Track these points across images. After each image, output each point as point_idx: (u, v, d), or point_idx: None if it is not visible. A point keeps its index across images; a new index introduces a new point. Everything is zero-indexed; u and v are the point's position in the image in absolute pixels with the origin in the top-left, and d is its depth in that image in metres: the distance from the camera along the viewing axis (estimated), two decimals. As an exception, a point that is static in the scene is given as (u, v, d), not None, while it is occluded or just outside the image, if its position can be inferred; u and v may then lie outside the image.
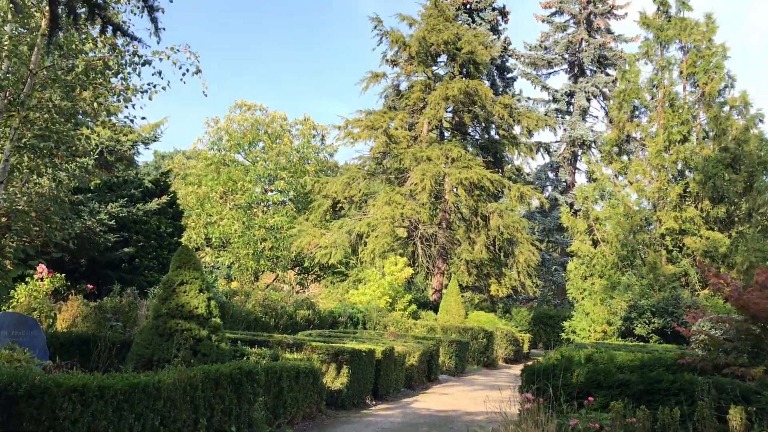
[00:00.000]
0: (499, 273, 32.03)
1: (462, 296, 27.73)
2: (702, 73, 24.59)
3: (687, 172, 24.48)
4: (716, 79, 24.43)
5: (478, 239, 30.86)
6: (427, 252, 30.65)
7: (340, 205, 32.08)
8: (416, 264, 30.79)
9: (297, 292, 24.92)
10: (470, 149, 34.18)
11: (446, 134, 34.64)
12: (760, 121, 24.19)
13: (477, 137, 35.48)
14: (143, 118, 12.07)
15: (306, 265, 32.47)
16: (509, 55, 40.45)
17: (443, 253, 31.51)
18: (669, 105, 24.83)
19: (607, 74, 41.93)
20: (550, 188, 42.29)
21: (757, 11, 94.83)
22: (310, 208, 33.68)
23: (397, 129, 31.28)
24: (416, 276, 32.54)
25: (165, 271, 16.16)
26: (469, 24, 37.03)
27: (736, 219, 23.55)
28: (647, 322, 19.76)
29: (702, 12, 45.01)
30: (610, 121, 27.72)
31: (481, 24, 37.55)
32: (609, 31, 42.29)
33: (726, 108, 24.39)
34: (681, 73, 25.35)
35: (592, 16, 42.39)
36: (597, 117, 43.45)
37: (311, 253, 29.78)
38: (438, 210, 32.07)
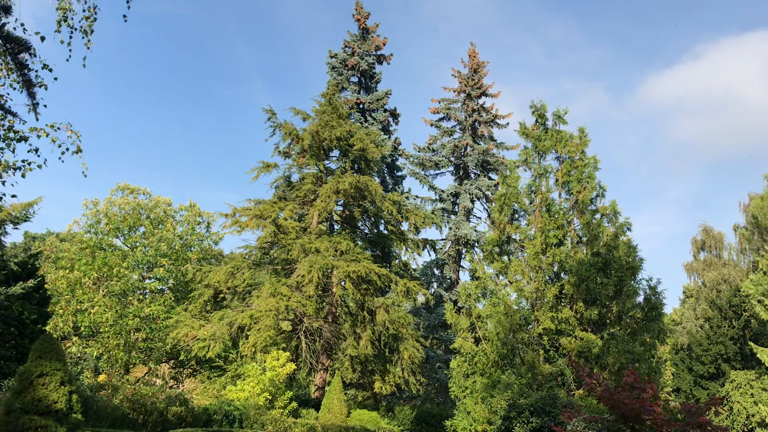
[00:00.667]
0: (384, 370, 31.62)
1: (345, 394, 27.05)
2: (575, 182, 26.27)
3: (563, 274, 25.61)
4: (588, 188, 26.16)
5: (364, 334, 30.52)
6: (311, 347, 29.88)
7: (222, 295, 30.93)
8: (299, 359, 29.89)
9: (170, 387, 23.38)
10: (359, 243, 34.36)
11: (336, 227, 34.75)
12: (628, 229, 25.95)
13: (366, 231, 35.81)
14: (14, 196, 11.26)
15: (182, 358, 30.72)
16: (399, 155, 41.88)
17: (328, 349, 30.85)
18: (546, 210, 26.22)
19: (490, 178, 44.11)
20: (435, 285, 42.98)
21: (625, 129, 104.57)
22: (190, 297, 32.25)
23: (286, 219, 31.04)
24: (299, 372, 31.52)
25: (24, 361, 14.72)
26: (361, 122, 38.19)
27: (607, 321, 24.71)
28: (526, 421, 19.91)
29: (576, 126, 48.71)
30: (492, 223, 28.82)
31: (373, 123, 38.83)
32: (492, 139, 44.85)
33: (598, 215, 26.05)
34: (557, 180, 26.98)
35: (476, 123, 44.97)
36: (480, 218, 45.18)
37: (188, 345, 28.24)
38: (325, 303, 31.61)
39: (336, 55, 39.93)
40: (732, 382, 37.77)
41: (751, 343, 37.52)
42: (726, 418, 36.89)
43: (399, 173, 41.09)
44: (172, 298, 33.73)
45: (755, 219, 44.21)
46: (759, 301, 36.79)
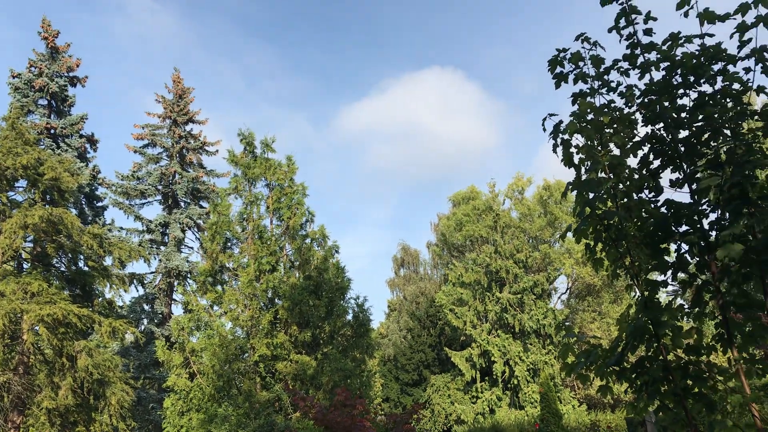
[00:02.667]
0: (89, 419, 28.59)
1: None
2: (286, 208, 26.87)
3: (277, 300, 25.90)
4: (298, 214, 26.93)
5: (64, 383, 27.30)
6: (-3, 405, 25.85)
7: None
8: (-19, 422, 25.64)
9: None
10: (55, 282, 30.80)
11: (26, 266, 30.73)
12: (337, 251, 27.22)
13: (63, 269, 32.26)
14: None
15: None
16: (99, 184, 38.71)
17: (19, 404, 26.97)
18: (258, 237, 26.34)
19: (201, 206, 43.04)
20: (146, 321, 40.38)
21: (327, 156, 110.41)
22: None
23: (-42, 261, 26.59)
24: (-19, 436, 26.99)
25: None
26: (53, 149, 34.54)
27: (321, 341, 25.53)
28: (245, 453, 19.56)
29: (284, 154, 50.00)
30: (205, 252, 28.09)
31: (67, 150, 35.36)
32: (201, 166, 43.90)
33: (308, 240, 26.91)
34: (268, 207, 27.31)
35: (184, 150, 43.63)
36: (192, 248, 43.77)
37: None
38: (14, 353, 27.64)
39: (20, 74, 35.68)
40: (432, 386, 41.72)
41: (446, 349, 41.92)
42: (429, 420, 40.57)
43: (100, 203, 37.94)
44: None
45: (444, 236, 49.73)
46: (450, 310, 41.34)
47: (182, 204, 43.24)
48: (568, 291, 45.78)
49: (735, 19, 4.84)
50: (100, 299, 33.08)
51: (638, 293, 4.82)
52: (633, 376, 4.81)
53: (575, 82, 5.39)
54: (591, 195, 4.71)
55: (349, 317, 26.30)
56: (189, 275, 40.46)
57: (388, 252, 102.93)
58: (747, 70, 4.85)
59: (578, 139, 5.04)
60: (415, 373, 44.31)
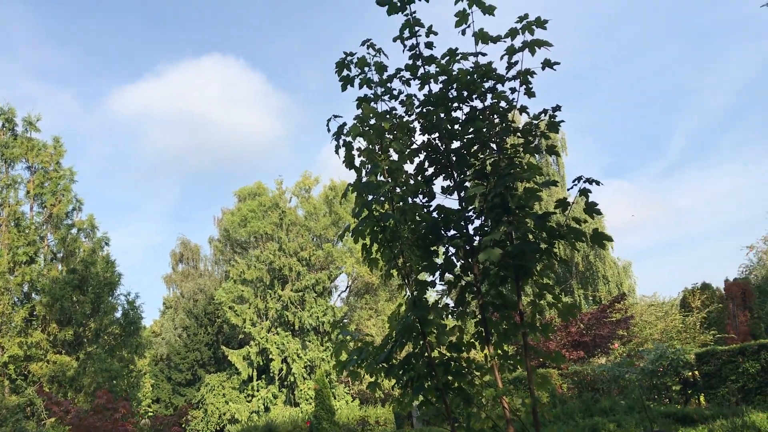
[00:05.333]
0: None
1: None
2: (50, 194, 24.44)
3: (34, 295, 23.45)
4: (64, 201, 24.63)
5: None
6: None
7: None
8: None
9: None
10: None
11: None
12: (107, 243, 25.33)
13: None
14: None
15: None
16: None
17: None
18: (15, 224, 23.66)
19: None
20: None
21: (99, 139, 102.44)
22: None
23: None
24: None
25: None
26: None
27: (84, 340, 23.57)
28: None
29: (50, 135, 45.52)
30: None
31: None
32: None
33: (74, 230, 24.72)
34: (28, 192, 24.64)
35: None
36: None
37: None
38: None
39: None
40: (206, 386, 40.54)
41: (224, 347, 41.00)
42: (201, 421, 39.35)
43: None
44: None
45: (227, 232, 48.61)
46: (230, 308, 40.51)
47: None
48: (348, 289, 47.23)
49: (506, 42, 5.26)
50: None
51: (409, 293, 5.03)
52: (400, 372, 5.00)
53: (360, 86, 5.50)
54: (370, 197, 4.82)
55: (118, 314, 24.63)
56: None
57: (167, 246, 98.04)
58: (513, 90, 5.29)
59: (360, 142, 5.14)
60: (189, 372, 42.74)
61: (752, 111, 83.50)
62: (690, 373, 17.99)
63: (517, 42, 5.19)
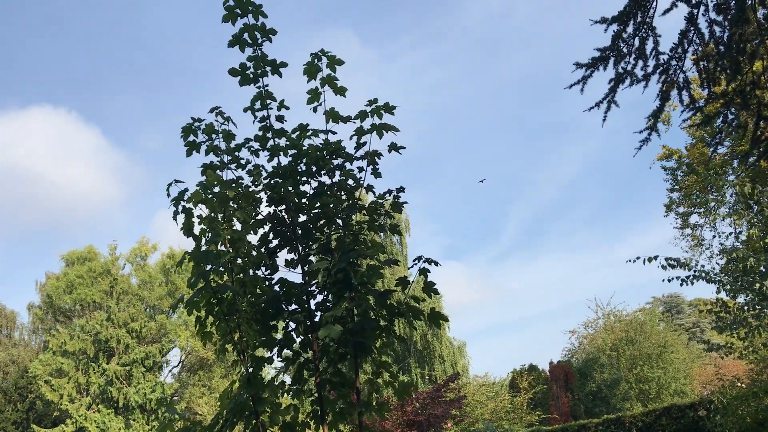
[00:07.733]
0: None
1: None
2: None
3: None
4: None
5: None
6: None
7: None
8: None
9: None
10: None
11: None
12: None
13: None
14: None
15: None
16: None
17: None
18: None
19: None
20: None
21: None
22: None
23: None
24: None
25: None
26: None
27: None
28: None
29: None
30: None
31: None
32: None
33: None
34: None
35: None
36: None
37: None
38: None
39: None
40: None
41: (34, 426, 36.87)
42: None
43: None
44: None
45: (50, 298, 44.51)
46: (46, 382, 36.75)
47: None
48: (181, 364, 44.64)
49: (355, 123, 5.41)
50: None
51: (244, 369, 4.82)
52: (230, 454, 4.71)
53: (207, 153, 5.37)
54: (208, 267, 4.62)
55: None
56: None
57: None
58: (360, 169, 5.41)
59: (202, 210, 4.97)
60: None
61: (575, 204, 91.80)
62: (517, 453, 18.66)
63: (366, 124, 5.36)
